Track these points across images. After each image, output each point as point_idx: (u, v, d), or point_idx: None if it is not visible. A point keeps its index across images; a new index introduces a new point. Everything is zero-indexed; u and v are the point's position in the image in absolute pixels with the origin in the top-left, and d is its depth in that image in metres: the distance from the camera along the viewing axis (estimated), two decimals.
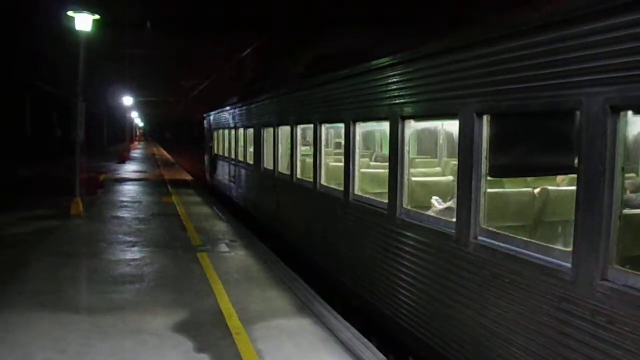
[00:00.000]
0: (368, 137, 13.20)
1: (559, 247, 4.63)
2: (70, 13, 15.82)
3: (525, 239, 4.94)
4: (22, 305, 8.09)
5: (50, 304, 8.16)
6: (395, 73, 7.05)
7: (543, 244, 4.74)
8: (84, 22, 15.95)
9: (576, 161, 4.20)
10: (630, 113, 3.86)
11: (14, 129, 32.85)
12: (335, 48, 11.18)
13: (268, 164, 14.05)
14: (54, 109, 43.15)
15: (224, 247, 12.52)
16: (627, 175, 6.42)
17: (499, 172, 5.60)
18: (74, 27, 16.07)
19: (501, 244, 5.07)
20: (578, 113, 4.12)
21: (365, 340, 7.10)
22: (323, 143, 10.11)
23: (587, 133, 4.03)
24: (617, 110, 3.83)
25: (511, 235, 5.10)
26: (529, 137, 5.32)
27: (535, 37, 4.56)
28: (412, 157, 10.66)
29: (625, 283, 3.81)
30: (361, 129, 8.78)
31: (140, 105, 75.66)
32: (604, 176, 3.91)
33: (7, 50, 27.45)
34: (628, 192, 6.32)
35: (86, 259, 11.32)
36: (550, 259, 4.48)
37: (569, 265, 4.23)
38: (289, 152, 11.89)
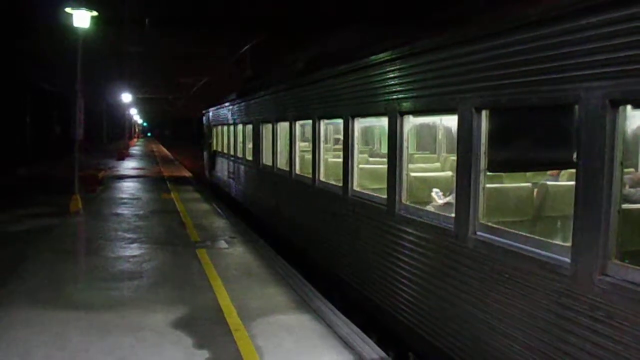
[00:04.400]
0: (367, 133, 13.22)
1: (558, 241, 4.62)
2: (68, 10, 15.77)
3: (523, 233, 4.93)
4: (22, 302, 8.12)
5: (50, 300, 8.19)
6: (394, 68, 7.03)
7: (542, 238, 4.73)
8: (81, 18, 15.91)
9: (575, 155, 4.18)
10: (629, 107, 3.84)
11: (14, 127, 32.84)
12: (334, 44, 11.16)
13: (267, 160, 14.04)
14: (54, 107, 43.13)
15: (223, 244, 12.54)
16: (626, 170, 6.44)
17: (498, 166, 5.58)
18: (72, 24, 16.03)
19: (500, 239, 5.06)
20: (577, 107, 4.10)
21: (364, 336, 7.10)
22: (322, 139, 10.10)
23: (586, 127, 4.01)
24: (616, 104, 3.81)
25: (510, 230, 5.08)
26: (528, 132, 5.31)
27: (533, 31, 4.53)
28: (411, 152, 10.73)
29: (625, 277, 3.80)
30: (360, 124, 8.76)
31: (139, 102, 75.65)
32: (602, 170, 3.89)
33: (7, 48, 27.40)
34: (627, 187, 6.34)
35: (85, 255, 11.39)
36: (549, 254, 4.47)
37: (568, 260, 4.23)
38: (288, 147, 11.88)
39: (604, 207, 3.91)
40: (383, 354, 6.57)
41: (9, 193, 21.10)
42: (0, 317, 7.49)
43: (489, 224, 5.32)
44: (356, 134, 8.61)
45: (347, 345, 6.73)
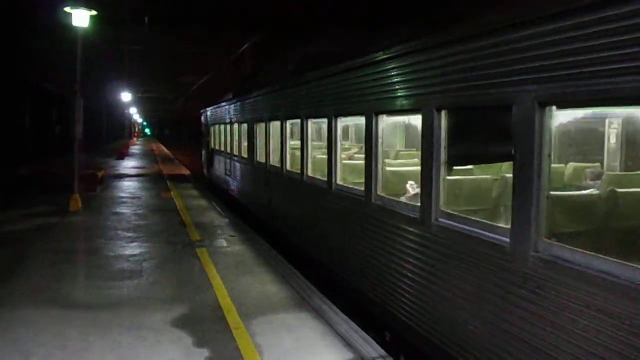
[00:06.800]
0: (359, 132, 13.70)
1: (502, 225, 5.24)
2: (67, 9, 15.76)
3: (475, 219, 5.56)
4: (22, 301, 8.15)
5: (50, 300, 8.23)
6: (369, 72, 7.67)
7: (489, 222, 5.37)
8: (81, 18, 15.94)
9: (513, 150, 4.79)
10: (554, 108, 4.47)
11: (14, 126, 33.01)
12: (323, 48, 11.69)
13: (261, 157, 14.57)
14: (53, 107, 43.29)
15: (222, 242, 12.58)
16: (590, 165, 7.22)
17: (457, 160, 6.19)
18: (72, 23, 16.05)
19: (457, 225, 5.70)
20: (514, 108, 4.74)
21: (364, 334, 7.12)
22: (309, 137, 10.64)
23: (520, 125, 4.66)
24: (543, 105, 4.46)
25: (464, 216, 5.73)
26: (480, 129, 5.95)
27: (480, 41, 5.19)
28: (398, 149, 11.34)
29: (552, 253, 4.43)
30: (348, 124, 9.32)
31: (139, 102, 75.81)
32: (533, 162, 4.53)
33: (7, 48, 27.60)
34: (588, 180, 7.00)
35: (85, 255, 11.43)
36: (495, 236, 5.12)
37: (508, 240, 4.87)
38: (280, 145, 12.40)
39: (534, 194, 4.54)
40: (383, 353, 6.58)
41: (8, 192, 21.00)
42: (1, 316, 7.52)
43: (448, 211, 5.96)
44: (340, 132, 9.19)
45: (347, 343, 6.75)
